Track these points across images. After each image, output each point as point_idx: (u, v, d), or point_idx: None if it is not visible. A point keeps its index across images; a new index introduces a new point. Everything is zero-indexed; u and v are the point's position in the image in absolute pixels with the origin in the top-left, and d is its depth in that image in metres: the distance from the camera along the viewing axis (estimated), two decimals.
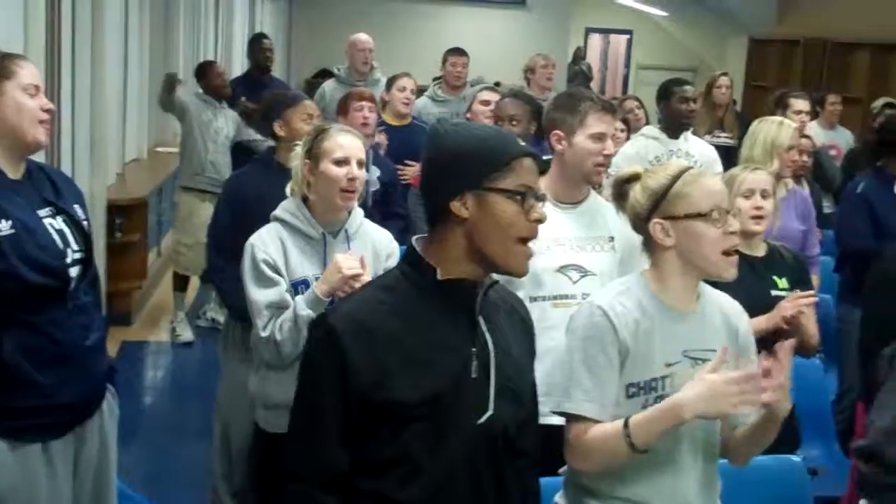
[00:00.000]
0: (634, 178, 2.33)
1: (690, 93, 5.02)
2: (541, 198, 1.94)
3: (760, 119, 4.45)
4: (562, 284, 2.97)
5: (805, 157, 5.02)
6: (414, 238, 2.01)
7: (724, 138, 6.01)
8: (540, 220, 1.94)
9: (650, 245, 2.31)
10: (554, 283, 2.97)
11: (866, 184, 4.58)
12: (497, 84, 7.60)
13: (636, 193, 2.31)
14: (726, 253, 2.26)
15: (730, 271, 2.28)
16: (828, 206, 5.80)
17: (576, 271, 2.99)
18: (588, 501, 2.31)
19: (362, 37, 6.49)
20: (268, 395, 2.97)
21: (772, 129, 4.26)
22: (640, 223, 2.31)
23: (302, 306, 2.80)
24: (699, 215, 2.24)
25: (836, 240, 5.05)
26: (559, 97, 3.18)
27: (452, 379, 1.91)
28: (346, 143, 2.93)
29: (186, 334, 6.19)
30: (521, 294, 2.81)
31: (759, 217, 3.38)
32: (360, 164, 2.93)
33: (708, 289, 2.39)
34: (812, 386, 3.63)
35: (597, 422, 2.20)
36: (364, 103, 4.54)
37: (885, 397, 2.33)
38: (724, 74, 6.93)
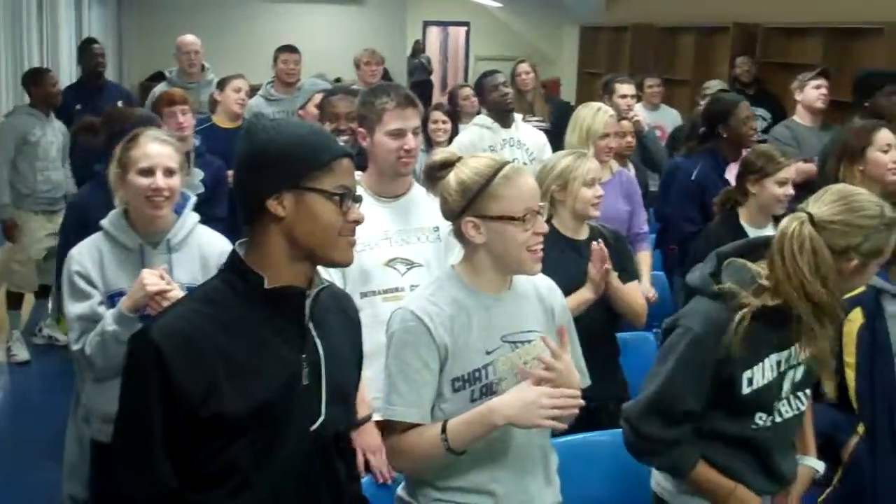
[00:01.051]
0: (448, 164, 2.36)
1: (500, 79, 5.14)
2: (357, 199, 1.95)
3: (582, 105, 4.59)
4: (390, 278, 3.00)
5: (629, 139, 5.19)
6: (237, 243, 1.97)
7: (536, 122, 6.15)
8: (357, 222, 1.95)
9: (462, 236, 2.35)
10: (382, 278, 3.00)
11: (700, 170, 4.73)
12: (337, 80, 7.60)
13: (449, 186, 2.33)
14: (532, 250, 2.31)
15: (535, 267, 2.34)
16: (654, 186, 6.02)
17: (403, 264, 3.02)
18: (428, 492, 2.35)
19: (188, 38, 6.39)
20: (99, 407, 2.90)
21: (588, 116, 4.40)
22: (451, 216, 2.34)
23: (109, 321, 2.73)
24: (511, 218, 2.28)
25: (657, 216, 5.25)
26: (364, 93, 3.19)
27: (283, 388, 1.90)
28: (153, 151, 2.87)
29: (22, 353, 5.97)
30: (350, 289, 2.86)
31: (598, 203, 3.51)
32: (168, 172, 2.87)
33: None
34: (645, 359, 3.74)
35: (416, 425, 2.24)
36: (175, 107, 4.41)
37: (655, 369, 2.43)
38: (522, 62, 7.11)
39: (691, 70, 9.68)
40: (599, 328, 3.50)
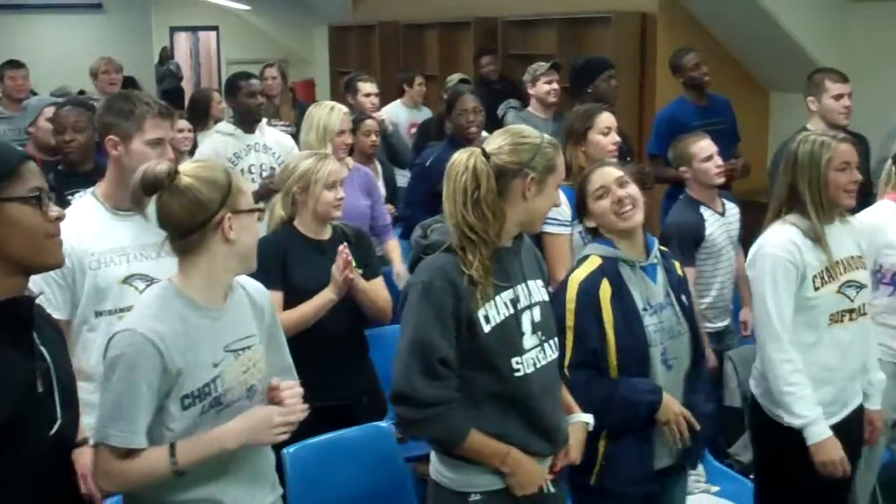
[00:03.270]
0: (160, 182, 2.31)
1: (257, 86, 5.08)
2: (50, 197, 1.97)
3: (315, 104, 4.61)
4: (127, 296, 2.88)
5: (374, 137, 5.25)
6: None
7: (282, 126, 6.15)
8: (60, 218, 1.97)
9: (191, 246, 2.30)
10: (119, 296, 2.89)
11: (435, 157, 4.87)
12: (81, 92, 7.29)
13: (194, 188, 2.29)
14: None
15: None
16: (403, 182, 6.13)
17: (141, 280, 2.92)
18: None
19: None
20: None
21: (323, 115, 4.42)
22: (203, 219, 2.28)
23: None
24: (256, 210, 2.40)
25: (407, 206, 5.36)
26: (112, 100, 3.07)
27: (22, 398, 1.91)
28: None
29: None
30: (83, 308, 2.76)
31: (339, 205, 3.55)
32: None
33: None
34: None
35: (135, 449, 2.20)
36: None
37: (401, 335, 2.51)
38: (269, 65, 7.11)
39: (438, 65, 9.88)
40: (347, 327, 3.55)
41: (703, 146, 4.30)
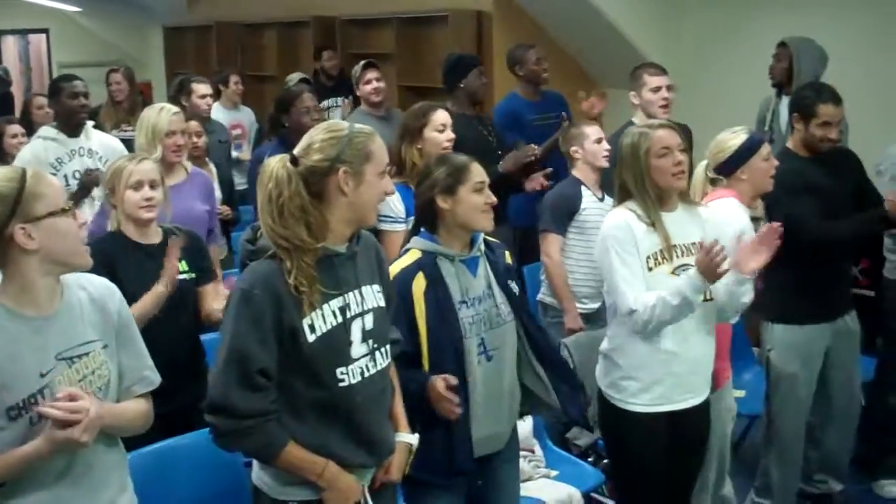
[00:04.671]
0: None
1: (80, 87, 4.92)
2: None
3: (148, 107, 4.50)
4: None
5: (196, 139, 5.16)
6: None
7: (131, 131, 5.99)
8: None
9: (4, 257, 2.23)
10: None
11: (269, 153, 4.81)
12: None
13: None
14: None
15: (87, 260, 2.37)
16: (241, 184, 6.07)
17: None
18: None
19: None
20: None
21: (152, 116, 4.32)
22: None
23: None
24: (63, 210, 2.26)
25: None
26: None
27: None
28: None
29: None
30: None
31: (147, 206, 3.45)
32: None
33: (72, 278, 2.36)
34: None
35: None
36: None
37: (220, 341, 2.45)
38: (114, 70, 6.94)
39: (277, 65, 9.78)
40: (182, 333, 3.49)
41: (596, 129, 4.54)
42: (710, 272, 2.99)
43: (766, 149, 3.65)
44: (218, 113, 6.90)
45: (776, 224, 3.18)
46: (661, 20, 7.75)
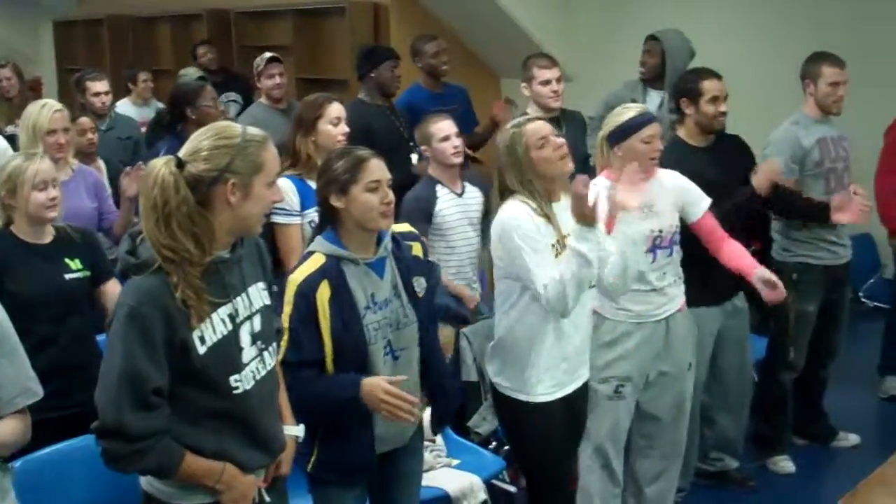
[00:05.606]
0: None
1: None
2: None
3: (32, 103, 4.40)
4: None
5: (90, 135, 5.04)
6: None
7: (13, 129, 5.84)
8: None
9: None
10: None
11: (165, 152, 4.72)
12: None
13: None
14: None
15: None
16: None
17: None
18: None
19: None
20: None
21: (33, 113, 4.23)
22: None
23: None
24: None
25: None
26: None
27: None
28: None
29: None
30: None
31: (56, 205, 3.38)
32: None
33: None
34: None
35: None
36: None
37: (105, 363, 2.34)
38: (3, 66, 6.76)
39: (171, 59, 9.61)
40: (77, 333, 3.43)
41: (442, 126, 4.35)
42: (580, 211, 2.98)
43: (648, 131, 3.60)
44: (127, 109, 6.79)
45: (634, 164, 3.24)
46: (556, 11, 7.84)
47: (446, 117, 4.48)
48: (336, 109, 4.02)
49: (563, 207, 3.22)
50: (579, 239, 3.00)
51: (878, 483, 3.08)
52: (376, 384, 2.75)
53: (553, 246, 3.18)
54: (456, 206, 4.36)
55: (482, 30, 7.90)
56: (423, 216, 4.25)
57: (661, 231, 3.68)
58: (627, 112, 3.65)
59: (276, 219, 3.69)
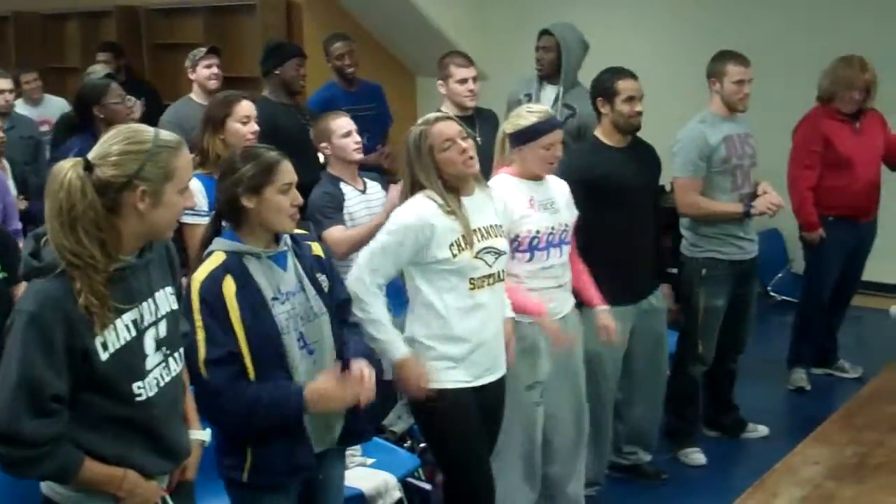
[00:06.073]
0: None
1: None
2: None
3: None
4: None
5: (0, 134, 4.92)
6: None
7: None
8: None
9: None
10: None
11: (77, 151, 4.59)
12: None
13: None
14: None
15: None
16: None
17: None
18: None
19: None
20: None
21: None
22: None
23: None
24: None
25: None
26: None
27: None
28: None
29: None
30: None
31: None
32: None
33: None
34: None
35: None
36: None
37: (3, 368, 2.27)
38: None
39: (80, 57, 9.39)
40: None
41: (341, 123, 4.32)
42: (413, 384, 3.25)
43: (550, 138, 3.64)
44: (22, 109, 6.60)
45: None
46: (471, 10, 7.87)
47: (343, 114, 4.45)
48: (245, 108, 3.97)
49: (474, 202, 3.25)
50: (393, 358, 3.25)
51: (784, 472, 3.16)
52: (319, 386, 2.75)
53: (456, 243, 3.22)
54: (361, 202, 4.32)
55: (397, 28, 7.90)
56: (338, 208, 4.23)
57: (566, 225, 3.76)
58: (532, 116, 3.67)
59: (185, 219, 3.63)
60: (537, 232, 3.66)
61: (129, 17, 8.92)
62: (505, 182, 3.61)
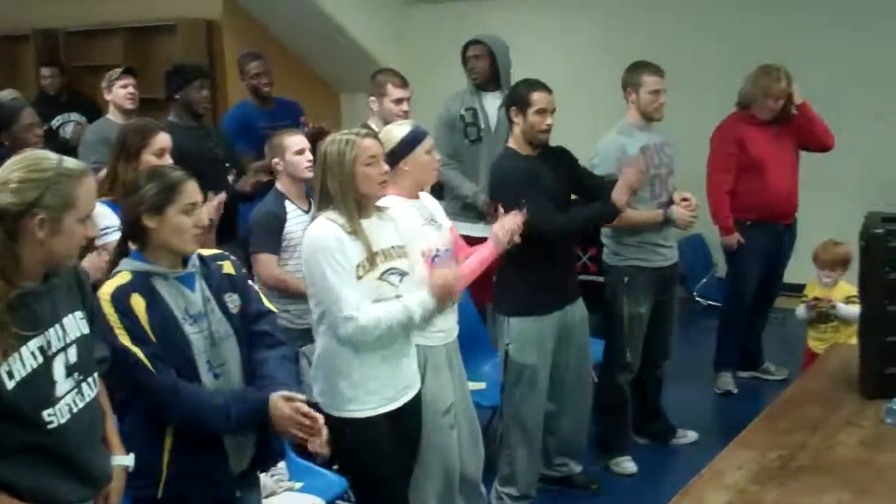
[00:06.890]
0: None
1: None
2: None
3: None
4: None
5: None
6: None
7: None
8: None
9: None
10: None
11: None
12: None
13: None
14: None
15: None
16: None
17: None
18: None
19: None
20: None
21: None
22: None
23: None
24: None
25: None
26: None
27: None
28: None
29: None
30: None
31: None
32: None
33: None
34: None
35: None
36: None
37: None
38: None
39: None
40: None
41: (295, 140, 4.36)
42: (444, 294, 3.20)
43: (429, 142, 3.67)
44: None
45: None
46: (392, 27, 7.87)
47: (299, 132, 4.49)
48: (162, 140, 3.85)
49: (373, 224, 3.25)
50: (424, 311, 3.19)
51: (708, 479, 3.17)
52: (281, 402, 2.73)
53: (361, 265, 3.19)
54: (303, 223, 4.26)
55: (318, 45, 7.86)
56: (277, 228, 4.26)
57: (450, 240, 3.77)
58: (400, 129, 3.69)
59: (106, 240, 3.56)
60: (437, 250, 3.64)
61: (48, 40, 8.76)
62: (397, 202, 3.58)
